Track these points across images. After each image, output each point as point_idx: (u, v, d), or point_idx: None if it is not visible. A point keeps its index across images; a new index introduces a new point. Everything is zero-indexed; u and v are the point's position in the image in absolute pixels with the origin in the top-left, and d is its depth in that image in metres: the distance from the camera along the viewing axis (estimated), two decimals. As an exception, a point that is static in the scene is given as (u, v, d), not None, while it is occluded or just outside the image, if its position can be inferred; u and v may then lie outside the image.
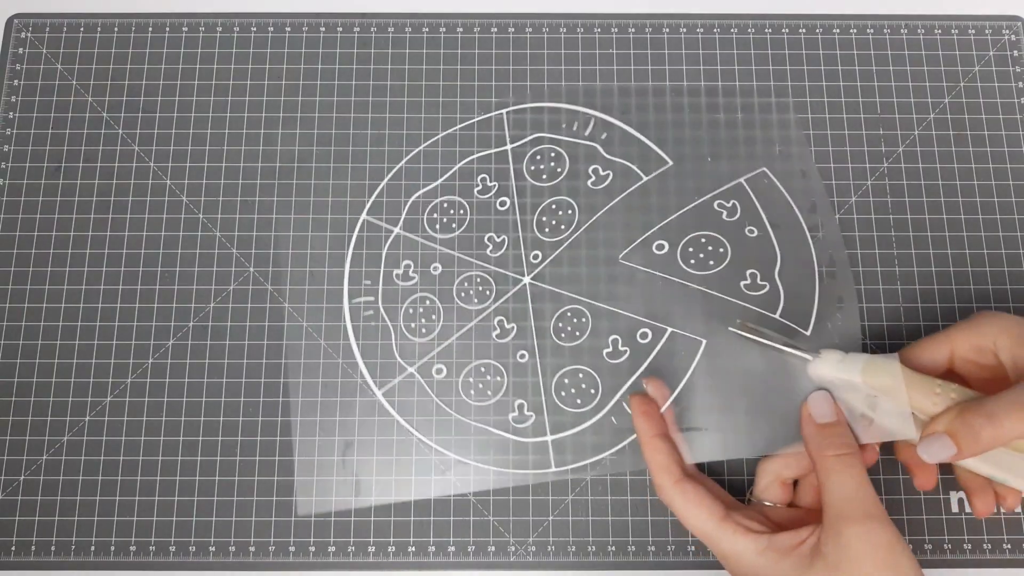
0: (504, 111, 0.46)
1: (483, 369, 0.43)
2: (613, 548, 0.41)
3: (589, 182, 0.45)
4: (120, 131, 0.47)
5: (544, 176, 0.45)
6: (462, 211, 0.45)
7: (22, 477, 0.42)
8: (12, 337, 0.44)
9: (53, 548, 0.41)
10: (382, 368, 0.43)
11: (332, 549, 0.41)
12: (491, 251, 0.44)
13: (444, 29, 0.48)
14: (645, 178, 0.45)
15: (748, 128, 0.46)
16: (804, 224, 0.44)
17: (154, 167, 0.46)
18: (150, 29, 0.48)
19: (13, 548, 0.41)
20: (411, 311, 0.44)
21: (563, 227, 0.45)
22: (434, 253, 0.45)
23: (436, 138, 0.46)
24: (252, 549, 0.41)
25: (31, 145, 0.46)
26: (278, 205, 0.45)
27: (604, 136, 0.46)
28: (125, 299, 0.44)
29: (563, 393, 0.43)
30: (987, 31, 0.48)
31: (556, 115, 0.47)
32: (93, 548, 0.41)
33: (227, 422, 0.43)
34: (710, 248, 0.44)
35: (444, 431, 0.42)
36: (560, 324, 0.43)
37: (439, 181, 0.46)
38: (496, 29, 0.48)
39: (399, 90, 0.47)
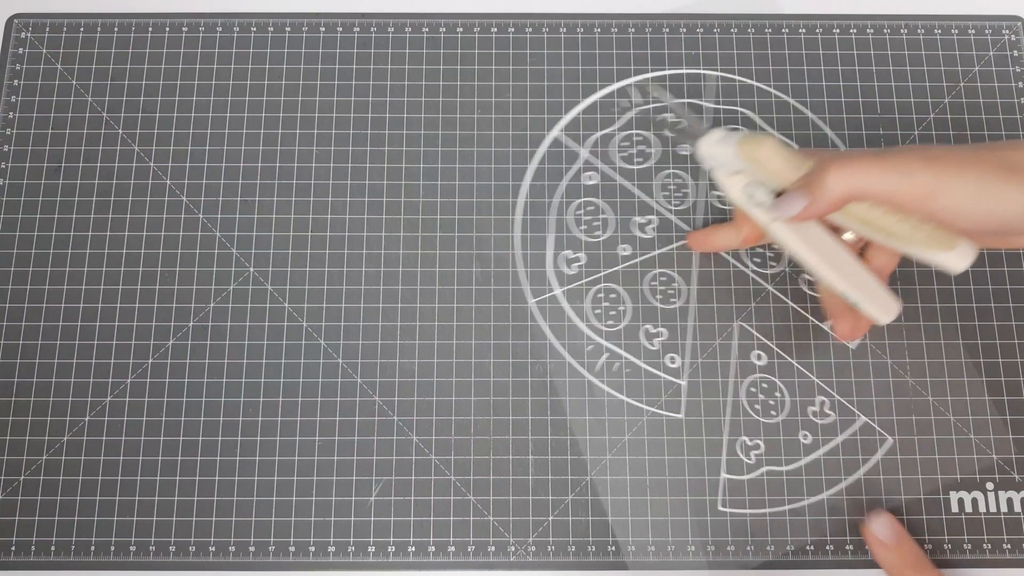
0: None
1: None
2: (613, 548, 0.41)
3: None
4: (120, 131, 0.47)
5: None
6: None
7: (22, 477, 0.42)
8: (12, 337, 0.44)
9: (53, 548, 0.41)
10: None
11: (332, 549, 0.41)
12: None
13: (444, 29, 0.48)
14: None
15: None
16: None
17: (154, 167, 0.46)
18: (150, 29, 0.48)
19: (13, 548, 0.41)
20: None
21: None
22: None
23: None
24: (252, 549, 0.41)
25: (31, 145, 0.46)
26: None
27: None
28: (125, 299, 0.44)
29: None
30: (987, 31, 0.48)
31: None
32: (93, 548, 0.41)
33: (227, 422, 0.43)
34: None
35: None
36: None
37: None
38: (496, 29, 0.48)
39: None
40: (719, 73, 0.47)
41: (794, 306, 0.44)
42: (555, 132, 0.47)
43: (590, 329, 0.44)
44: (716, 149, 0.37)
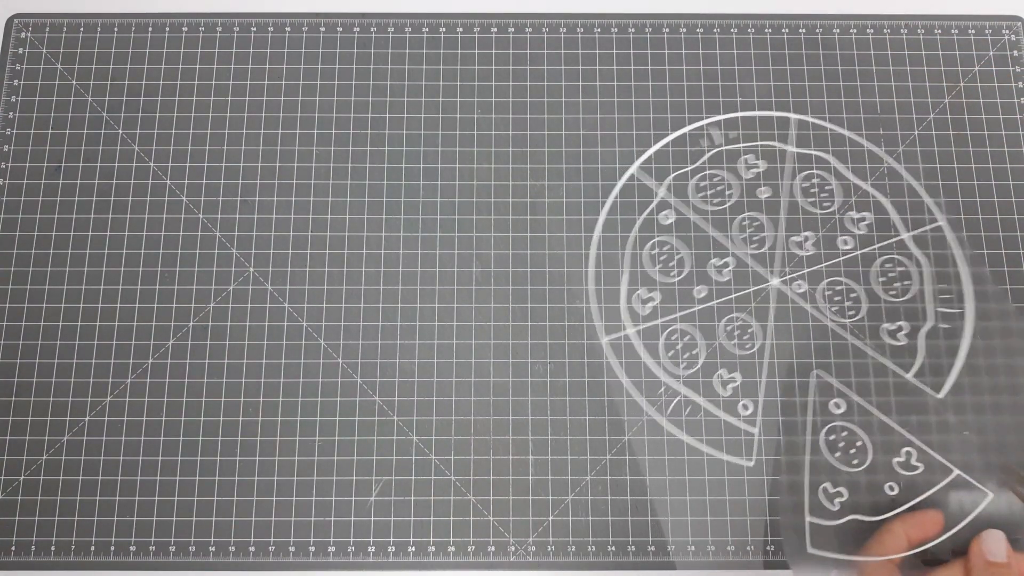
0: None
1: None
2: (613, 548, 0.41)
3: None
4: (120, 131, 0.47)
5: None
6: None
7: (22, 477, 0.42)
8: (12, 337, 0.44)
9: (53, 548, 0.41)
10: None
11: (332, 549, 0.41)
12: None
13: (444, 29, 0.48)
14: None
15: None
16: None
17: (154, 167, 0.46)
18: (150, 29, 0.48)
19: (13, 548, 0.41)
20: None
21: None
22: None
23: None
24: (252, 549, 0.41)
25: (31, 145, 0.46)
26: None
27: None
28: (125, 299, 0.44)
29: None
30: (987, 31, 0.48)
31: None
32: (93, 548, 0.41)
33: (227, 422, 0.43)
34: None
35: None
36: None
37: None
38: (496, 29, 0.48)
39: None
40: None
41: (873, 354, 0.43)
42: (633, 168, 0.46)
43: (660, 369, 0.43)
44: None
